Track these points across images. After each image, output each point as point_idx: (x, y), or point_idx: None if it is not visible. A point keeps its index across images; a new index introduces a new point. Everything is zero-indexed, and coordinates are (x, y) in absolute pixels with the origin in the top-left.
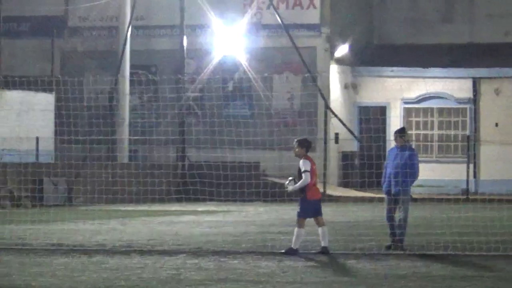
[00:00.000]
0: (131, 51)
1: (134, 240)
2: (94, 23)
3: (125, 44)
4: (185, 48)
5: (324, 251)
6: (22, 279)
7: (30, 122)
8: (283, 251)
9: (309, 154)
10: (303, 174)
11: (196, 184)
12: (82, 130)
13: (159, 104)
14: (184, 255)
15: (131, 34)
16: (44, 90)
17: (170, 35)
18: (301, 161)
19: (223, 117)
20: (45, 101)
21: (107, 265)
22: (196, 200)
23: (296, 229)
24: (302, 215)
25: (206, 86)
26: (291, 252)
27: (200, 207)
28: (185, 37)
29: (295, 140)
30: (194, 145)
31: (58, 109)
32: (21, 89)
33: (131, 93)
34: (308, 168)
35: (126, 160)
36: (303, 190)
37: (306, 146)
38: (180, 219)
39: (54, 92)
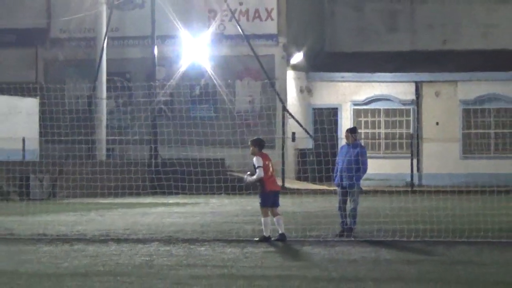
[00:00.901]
0: (107, 60)
1: (111, 229)
2: (73, 35)
3: (102, 53)
4: (155, 56)
5: (282, 237)
6: (10, 265)
7: (16, 124)
8: (256, 239)
9: (270, 151)
10: (257, 170)
11: (167, 179)
12: (64, 131)
13: (133, 107)
14: (157, 243)
15: (107, 44)
16: (29, 95)
17: (142, 45)
18: (254, 158)
19: (191, 119)
20: (30, 105)
21: (87, 253)
22: (167, 194)
23: (262, 219)
24: (263, 204)
25: (175, 91)
26: (264, 240)
27: (171, 200)
28: (156, 47)
29: (250, 140)
30: (166, 144)
31: (42, 112)
32: (8, 94)
33: (107, 98)
34: (261, 164)
35: (104, 158)
36: (261, 183)
37: (259, 145)
38: (153, 211)
39: (38, 97)
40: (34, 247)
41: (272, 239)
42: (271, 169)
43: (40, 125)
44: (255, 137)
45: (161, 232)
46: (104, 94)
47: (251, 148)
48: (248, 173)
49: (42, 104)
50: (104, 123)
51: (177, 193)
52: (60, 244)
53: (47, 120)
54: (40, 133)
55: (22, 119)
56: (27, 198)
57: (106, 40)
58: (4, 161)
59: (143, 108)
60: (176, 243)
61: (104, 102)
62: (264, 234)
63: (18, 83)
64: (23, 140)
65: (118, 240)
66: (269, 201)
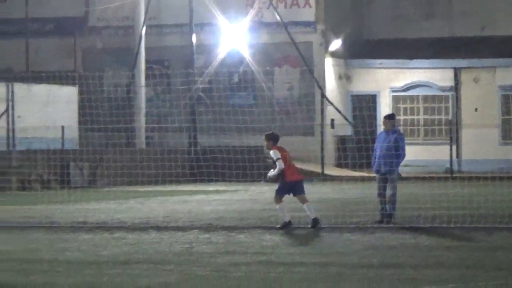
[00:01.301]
0: (145, 48)
1: (151, 217)
2: (111, 23)
3: (140, 41)
4: (194, 44)
5: (315, 223)
6: (50, 254)
7: (56, 113)
8: (278, 226)
9: (309, 138)
10: (276, 163)
11: (206, 167)
12: (103, 119)
13: (172, 95)
14: (196, 230)
15: (145, 32)
16: (68, 84)
17: (180, 32)
18: (271, 152)
19: (229, 106)
20: (69, 93)
21: (127, 240)
22: (207, 181)
23: (277, 206)
24: (279, 193)
25: (214, 79)
26: (285, 226)
27: (210, 187)
28: (194, 34)
29: (264, 134)
30: (205, 131)
31: (81, 100)
32: (47, 83)
33: (146, 86)
34: (279, 156)
35: (143, 146)
36: (281, 173)
37: (273, 139)
38: (192, 198)
39: (77, 86)
40: (74, 235)
41: (308, 225)
42: (289, 159)
43: (79, 113)
44: (269, 132)
45: (200, 220)
46: (143, 82)
47: (265, 143)
48: (272, 170)
49: (81, 93)
50: (143, 111)
51: (216, 181)
52: (100, 232)
53: (86, 108)
54: (79, 121)
55: (61, 108)
56: (67, 186)
57: (144, 28)
58: (44, 150)
59: (181, 96)
60: (215, 231)
61: (143, 90)
62: (284, 220)
63: (57, 72)
64: (62, 128)
65: (157, 228)
66: (286, 190)
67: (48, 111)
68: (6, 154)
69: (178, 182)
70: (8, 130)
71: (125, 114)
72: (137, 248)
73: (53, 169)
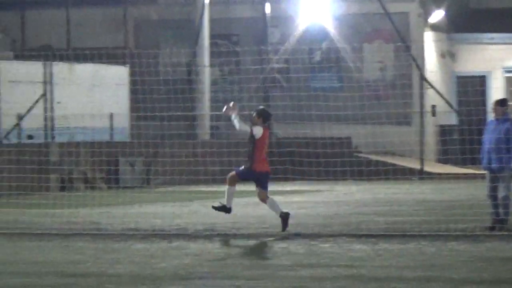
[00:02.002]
0: (210, 20)
1: (217, 223)
2: None
3: (202, 12)
4: (267, 15)
5: (286, 216)
6: (97, 266)
7: (103, 98)
8: (215, 205)
9: (405, 128)
10: (253, 131)
11: (283, 163)
12: (159, 105)
13: (241, 76)
14: (272, 238)
15: (209, 2)
16: (117, 63)
17: (251, 2)
18: (255, 128)
19: (310, 90)
20: (119, 74)
21: (189, 251)
22: (283, 180)
23: (227, 187)
24: (239, 176)
25: (292, 57)
26: (222, 209)
27: (287, 187)
28: (267, 4)
29: (255, 109)
30: (280, 119)
31: (132, 83)
32: (92, 62)
33: (210, 65)
34: (260, 134)
35: (207, 137)
36: (251, 159)
37: (264, 115)
38: None
39: (128, 65)
40: (125, 244)
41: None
42: (266, 149)
43: (130, 98)
44: (261, 107)
45: (276, 226)
46: (207, 61)
47: (255, 118)
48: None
49: (132, 74)
50: (207, 95)
51: (294, 179)
52: (156, 241)
53: (139, 93)
54: (131, 108)
55: (110, 92)
56: (116, 186)
57: None
58: (89, 142)
59: (253, 78)
60: (294, 239)
61: (207, 70)
62: (226, 204)
63: (104, 49)
64: (111, 116)
65: (225, 236)
66: (247, 177)
67: (93, 95)
68: (44, 148)
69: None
70: (45, 118)
71: (185, 99)
72: (201, 260)
73: (99, 166)
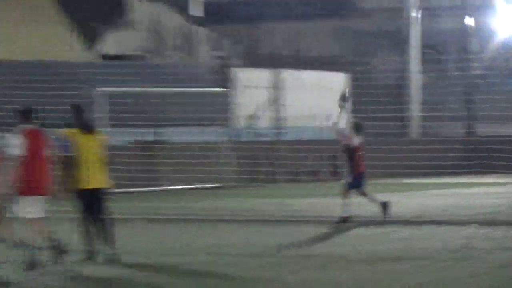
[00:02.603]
0: (418, 31)
1: (425, 211)
2: (381, 4)
3: (411, 24)
4: (468, 27)
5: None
6: (324, 248)
7: (325, 102)
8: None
9: None
10: (350, 137)
11: (484, 158)
12: (374, 107)
13: (446, 82)
14: (476, 225)
15: (418, 15)
16: (336, 70)
17: (454, 15)
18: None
19: (509, 93)
20: (338, 81)
21: (402, 235)
22: (485, 173)
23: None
24: (352, 186)
25: (491, 64)
26: (342, 220)
27: (489, 179)
28: (469, 17)
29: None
30: (481, 120)
31: (351, 88)
32: (314, 69)
33: (420, 72)
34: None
35: (417, 136)
36: (353, 161)
37: (357, 129)
38: (470, 191)
39: (347, 72)
40: (347, 230)
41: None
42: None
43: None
44: (357, 121)
45: (479, 214)
46: (416, 67)
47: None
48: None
49: (350, 79)
50: (417, 98)
51: (495, 172)
52: (373, 227)
53: (356, 97)
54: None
55: (331, 96)
56: (337, 179)
57: (416, 11)
58: (313, 140)
59: (457, 83)
60: (496, 225)
61: (416, 76)
62: (346, 214)
63: (325, 57)
64: (327, 118)
65: (432, 222)
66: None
67: (317, 100)
68: (274, 145)
69: (453, 173)
70: (276, 119)
71: (396, 102)
72: (412, 243)
73: (321, 160)
